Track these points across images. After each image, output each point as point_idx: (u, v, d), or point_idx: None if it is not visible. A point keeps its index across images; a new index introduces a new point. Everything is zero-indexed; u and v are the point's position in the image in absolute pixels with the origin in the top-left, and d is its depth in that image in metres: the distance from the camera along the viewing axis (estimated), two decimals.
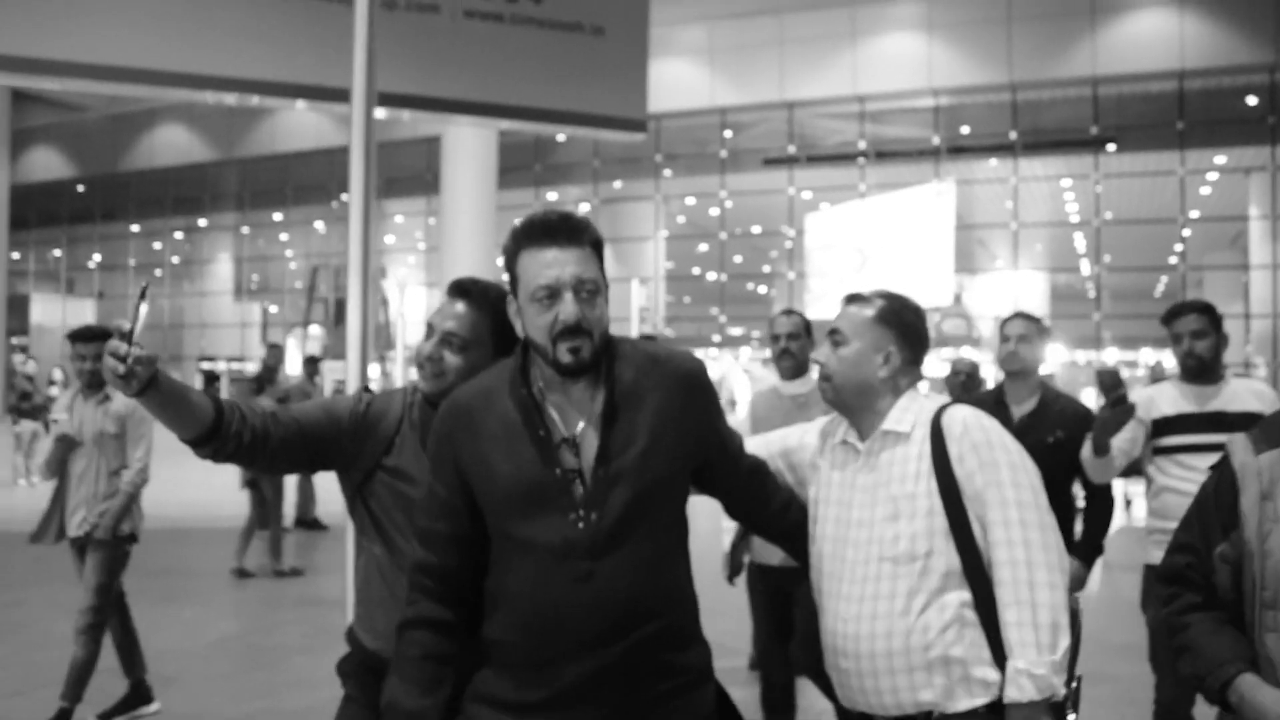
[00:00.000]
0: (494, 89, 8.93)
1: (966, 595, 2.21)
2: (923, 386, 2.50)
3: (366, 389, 2.73)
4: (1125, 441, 4.05)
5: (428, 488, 2.22)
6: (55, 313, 38.59)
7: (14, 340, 33.63)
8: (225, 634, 7.30)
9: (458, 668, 2.18)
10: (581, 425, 2.09)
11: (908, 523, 2.24)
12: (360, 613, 2.69)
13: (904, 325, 2.42)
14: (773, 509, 2.46)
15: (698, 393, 2.19)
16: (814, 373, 4.41)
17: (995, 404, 4.29)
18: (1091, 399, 19.70)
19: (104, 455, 5.20)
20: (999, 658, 2.18)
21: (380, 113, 11.99)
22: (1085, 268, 27.38)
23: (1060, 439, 4.14)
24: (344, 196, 32.92)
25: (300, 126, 32.20)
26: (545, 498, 2.06)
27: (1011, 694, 2.13)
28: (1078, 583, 4.19)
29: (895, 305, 2.45)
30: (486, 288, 2.58)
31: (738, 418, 4.39)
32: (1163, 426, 4.18)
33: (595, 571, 2.03)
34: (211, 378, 28.86)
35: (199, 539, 10.91)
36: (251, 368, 29.76)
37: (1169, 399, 4.20)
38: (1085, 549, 4.30)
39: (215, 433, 2.40)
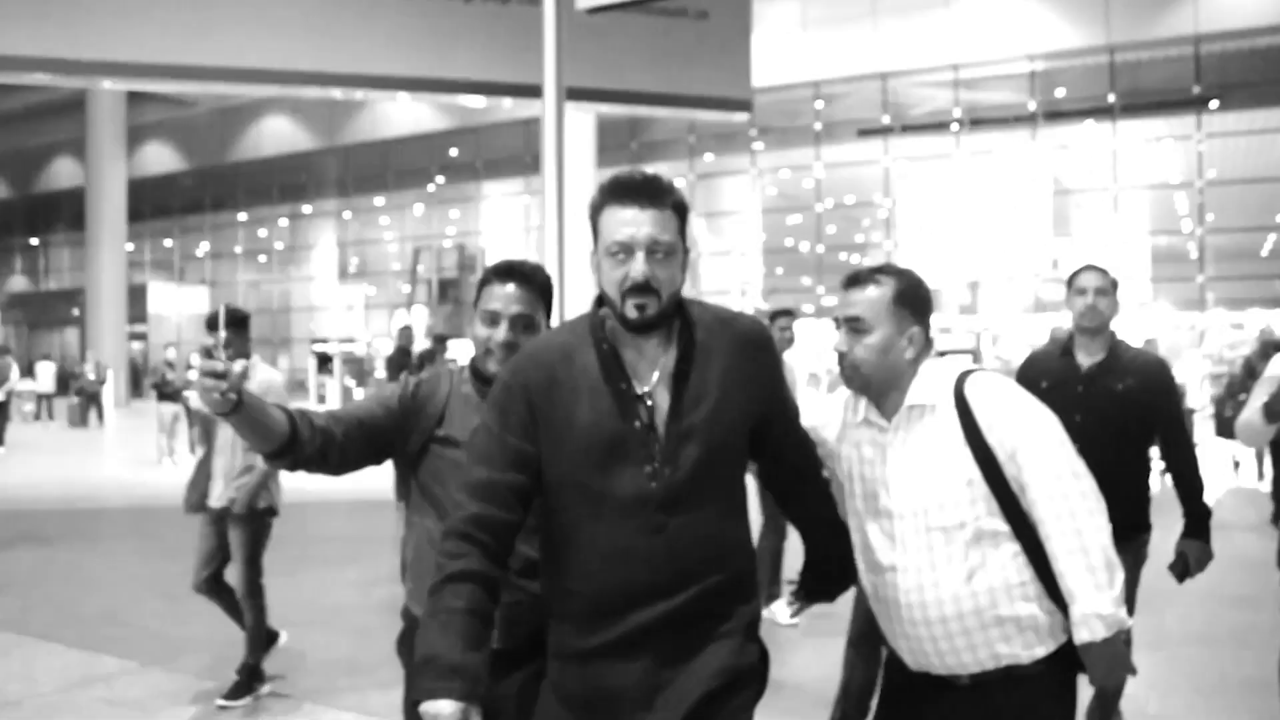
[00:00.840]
0: (605, 75, 9.43)
1: (1017, 547, 2.27)
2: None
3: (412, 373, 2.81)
4: None
5: (489, 440, 2.19)
6: (170, 300, 40.19)
7: (132, 328, 35.01)
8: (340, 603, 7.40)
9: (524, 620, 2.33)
10: (655, 380, 2.14)
11: (950, 492, 2.29)
12: (412, 588, 2.69)
13: (919, 301, 2.43)
14: (817, 485, 2.48)
15: (763, 354, 2.23)
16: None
17: (1061, 354, 4.14)
18: (1196, 362, 19.56)
19: None
20: (1059, 601, 2.26)
21: (480, 101, 12.62)
22: (1188, 228, 27.08)
23: (1131, 386, 3.93)
24: (439, 179, 33.73)
25: (399, 113, 33.07)
26: (624, 450, 2.11)
27: (1083, 636, 2.19)
28: (1201, 563, 3.91)
29: (909, 282, 2.43)
30: (533, 267, 2.67)
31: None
32: None
33: (668, 524, 2.10)
34: (325, 359, 29.83)
35: (339, 511, 11.46)
36: (360, 349, 30.79)
37: None
38: (1194, 520, 3.92)
39: (292, 443, 2.45)
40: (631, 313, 2.08)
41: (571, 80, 9.54)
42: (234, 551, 5.32)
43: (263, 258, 40.57)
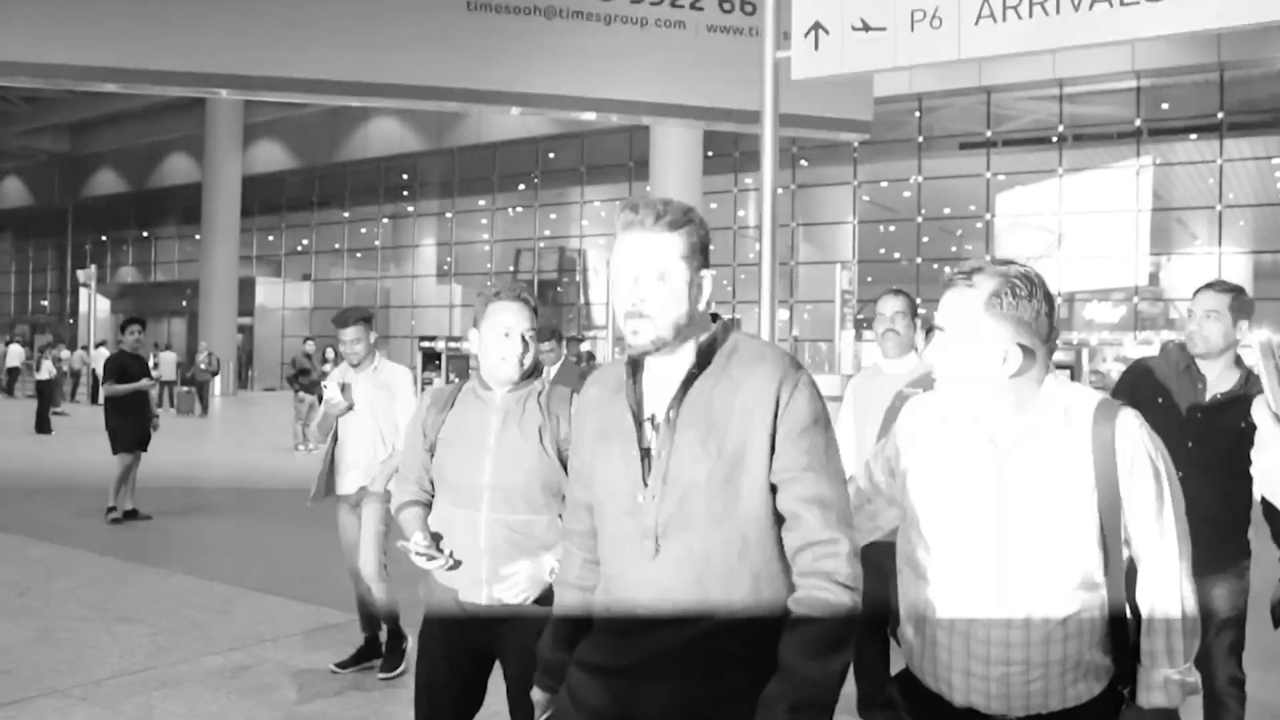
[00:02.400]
0: (735, 96, 9.94)
1: (1104, 595, 2.16)
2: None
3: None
4: None
5: (570, 460, 2.42)
6: (276, 294, 41.51)
7: (240, 320, 36.19)
8: None
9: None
10: (664, 407, 2.13)
11: (1068, 524, 2.12)
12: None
13: (1021, 310, 2.14)
14: (794, 523, 2.10)
15: (774, 388, 2.09)
16: (917, 353, 4.56)
17: (1182, 371, 3.82)
18: None
19: (376, 420, 5.48)
20: (1115, 645, 2.19)
21: (590, 115, 13.22)
22: None
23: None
24: (526, 179, 34.19)
25: (506, 118, 33.86)
26: (624, 474, 2.14)
27: (1157, 700, 2.15)
28: None
29: (1009, 285, 2.14)
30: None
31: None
32: None
33: (662, 549, 2.08)
34: (432, 355, 30.63)
35: None
36: (467, 345, 31.53)
37: None
38: None
39: None
40: (629, 337, 2.12)
41: (698, 100, 10.13)
42: (365, 526, 5.45)
43: (360, 254, 41.68)
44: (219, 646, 5.90)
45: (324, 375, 17.34)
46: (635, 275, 2.10)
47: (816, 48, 5.88)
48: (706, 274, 2.17)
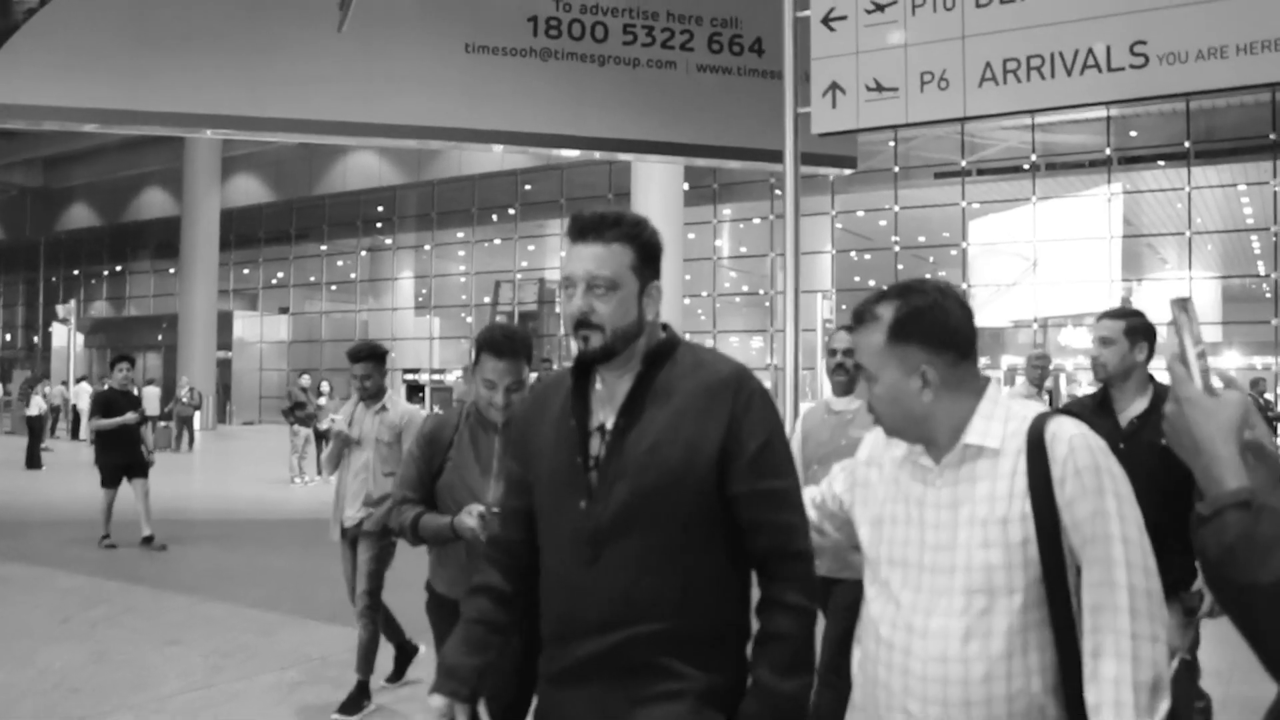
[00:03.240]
0: (721, 133, 10.27)
1: (1051, 634, 1.94)
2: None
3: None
4: None
5: (507, 467, 2.42)
6: (253, 328, 41.47)
7: (218, 354, 36.14)
8: None
9: (510, 637, 2.31)
10: (613, 417, 2.13)
11: (1001, 552, 1.94)
12: (432, 562, 3.71)
13: (930, 326, 2.04)
14: (753, 537, 2.12)
15: (727, 398, 2.09)
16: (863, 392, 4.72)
17: (1097, 407, 3.93)
18: None
19: (379, 458, 5.53)
20: (1073, 701, 1.92)
21: (574, 153, 13.49)
22: (1262, 270, 27.55)
23: None
24: (505, 211, 34.38)
25: (484, 151, 34.17)
26: (566, 482, 2.14)
27: None
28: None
29: (910, 307, 2.05)
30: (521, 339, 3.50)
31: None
32: None
33: (599, 558, 2.07)
34: (415, 388, 30.81)
35: None
36: (450, 378, 31.75)
37: None
38: None
39: None
40: (577, 346, 2.11)
41: (688, 138, 10.41)
42: (360, 566, 5.55)
43: (336, 287, 41.74)
44: (271, 666, 6.09)
45: (319, 408, 17.54)
46: (586, 285, 2.08)
47: (834, 106, 6.29)
48: (656, 285, 2.17)
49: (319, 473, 17.89)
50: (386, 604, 5.67)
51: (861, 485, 2.22)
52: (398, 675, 5.91)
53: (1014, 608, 1.92)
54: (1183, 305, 1.52)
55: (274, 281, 43.32)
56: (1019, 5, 5.93)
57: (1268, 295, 27.10)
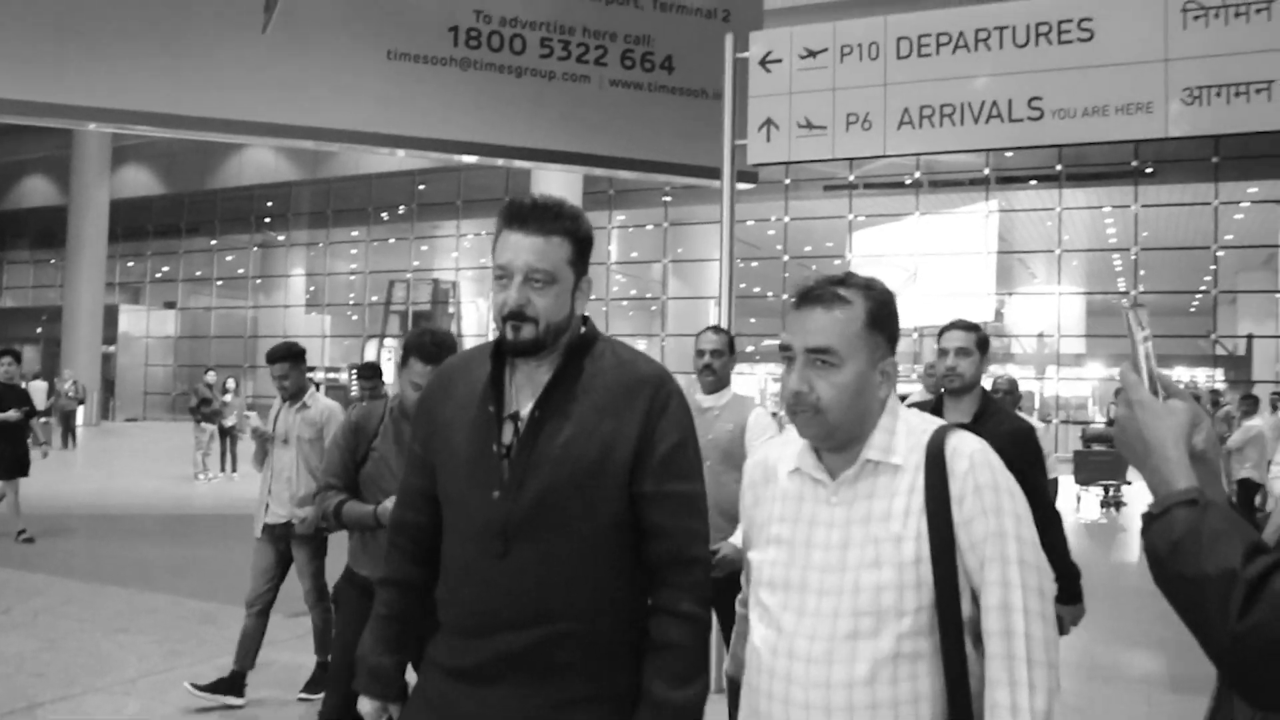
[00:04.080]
0: (630, 146, 10.83)
1: (941, 662, 1.85)
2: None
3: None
4: None
5: (409, 448, 2.32)
6: (140, 322, 40.74)
7: (103, 348, 35.44)
8: None
9: (422, 627, 2.26)
10: (529, 407, 2.08)
11: (893, 571, 1.84)
12: (351, 547, 3.98)
13: (894, 320, 1.98)
14: (651, 540, 2.09)
15: (645, 397, 2.08)
16: (734, 388, 4.68)
17: (931, 414, 4.03)
18: None
19: (303, 456, 5.69)
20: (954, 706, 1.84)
21: (531, 166, 13.84)
22: (1123, 286, 29.36)
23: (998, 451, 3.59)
24: (400, 210, 34.22)
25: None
26: (480, 470, 2.07)
27: None
28: (1076, 620, 4.04)
29: (881, 296, 1.96)
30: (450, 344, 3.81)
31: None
32: None
33: (510, 552, 2.02)
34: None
35: None
36: (344, 377, 31.77)
37: None
38: (1065, 583, 3.81)
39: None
40: (507, 335, 2.06)
41: (598, 149, 10.95)
42: (300, 567, 5.72)
43: (224, 283, 41.27)
44: (225, 651, 6.38)
45: (224, 405, 17.72)
46: (524, 276, 2.03)
47: (768, 140, 6.98)
48: (588, 280, 2.15)
49: (222, 469, 18.05)
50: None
51: (750, 487, 2.11)
52: (316, 688, 5.67)
53: (902, 631, 1.82)
54: (1136, 308, 1.51)
55: (159, 275, 42.62)
56: (935, 59, 6.71)
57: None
